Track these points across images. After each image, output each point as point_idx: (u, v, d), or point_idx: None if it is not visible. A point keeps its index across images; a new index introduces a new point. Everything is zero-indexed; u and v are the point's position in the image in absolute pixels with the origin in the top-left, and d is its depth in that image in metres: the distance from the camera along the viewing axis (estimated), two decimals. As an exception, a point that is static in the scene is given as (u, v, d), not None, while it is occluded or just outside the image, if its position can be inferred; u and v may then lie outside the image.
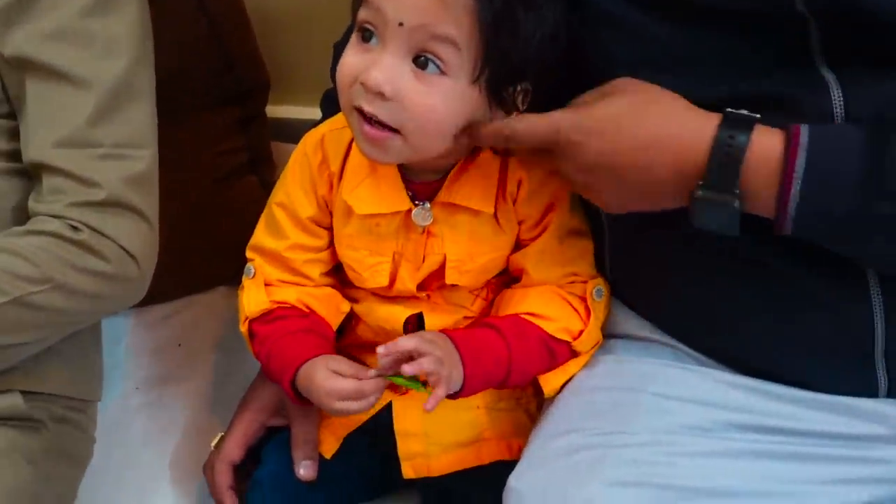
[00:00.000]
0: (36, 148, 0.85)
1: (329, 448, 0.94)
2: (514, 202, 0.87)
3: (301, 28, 1.26)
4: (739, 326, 0.81)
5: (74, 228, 0.83)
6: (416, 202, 0.87)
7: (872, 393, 0.77)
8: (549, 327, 0.87)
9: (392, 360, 0.80)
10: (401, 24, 0.75)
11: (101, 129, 0.85)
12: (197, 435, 1.04)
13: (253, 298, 0.92)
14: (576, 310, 0.88)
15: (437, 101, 0.77)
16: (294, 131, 1.27)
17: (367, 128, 0.78)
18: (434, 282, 0.90)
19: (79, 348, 0.96)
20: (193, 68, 1.14)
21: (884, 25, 0.69)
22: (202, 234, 1.16)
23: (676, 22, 0.75)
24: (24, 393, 0.89)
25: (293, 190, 0.91)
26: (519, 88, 0.80)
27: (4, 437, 0.87)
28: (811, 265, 0.75)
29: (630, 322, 0.91)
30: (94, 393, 1.00)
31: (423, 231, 0.87)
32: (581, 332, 0.88)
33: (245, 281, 0.94)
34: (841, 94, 0.72)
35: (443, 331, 0.85)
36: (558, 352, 0.88)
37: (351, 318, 0.96)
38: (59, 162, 0.84)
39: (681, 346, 0.86)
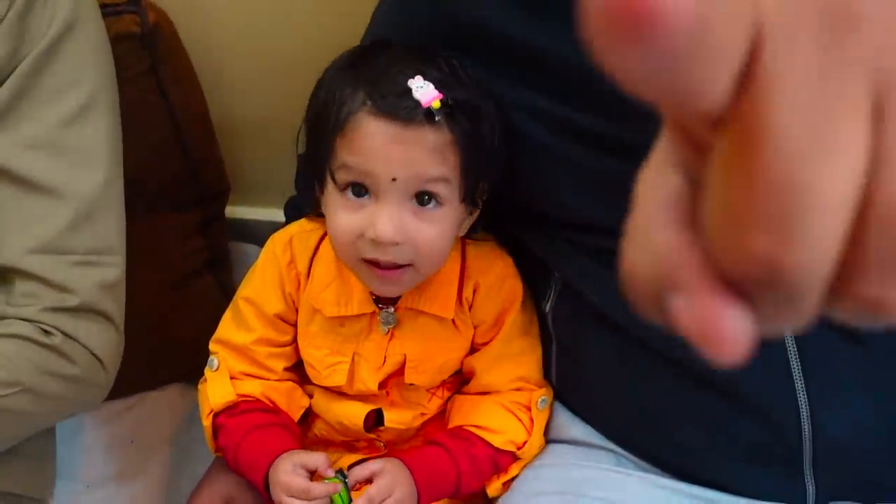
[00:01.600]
0: (9, 253, 0.86)
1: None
2: (470, 307, 0.92)
3: (261, 134, 1.31)
4: (673, 432, 0.86)
5: (46, 332, 0.85)
6: (380, 306, 0.91)
7: (801, 502, 0.81)
8: (496, 440, 0.92)
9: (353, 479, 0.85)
10: (394, 180, 0.79)
11: (75, 236, 0.87)
12: (148, 534, 1.05)
13: (218, 391, 0.94)
14: (521, 420, 0.93)
15: (441, 230, 0.82)
16: (251, 232, 1.32)
17: (380, 272, 0.83)
18: (392, 380, 0.94)
19: (33, 445, 0.96)
20: (157, 171, 1.17)
21: None
22: (158, 332, 1.18)
23: (613, 156, 0.78)
24: (-24, 492, 0.89)
25: (261, 287, 0.94)
26: (484, 188, 0.86)
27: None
28: (743, 372, 0.80)
29: (573, 427, 0.95)
30: (45, 491, 1.00)
31: (387, 333, 0.92)
32: (525, 443, 0.93)
33: (208, 373, 0.96)
34: None
35: (398, 455, 0.90)
36: (502, 462, 0.93)
37: (307, 416, 0.99)
38: (34, 268, 0.85)
39: (621, 451, 0.91)
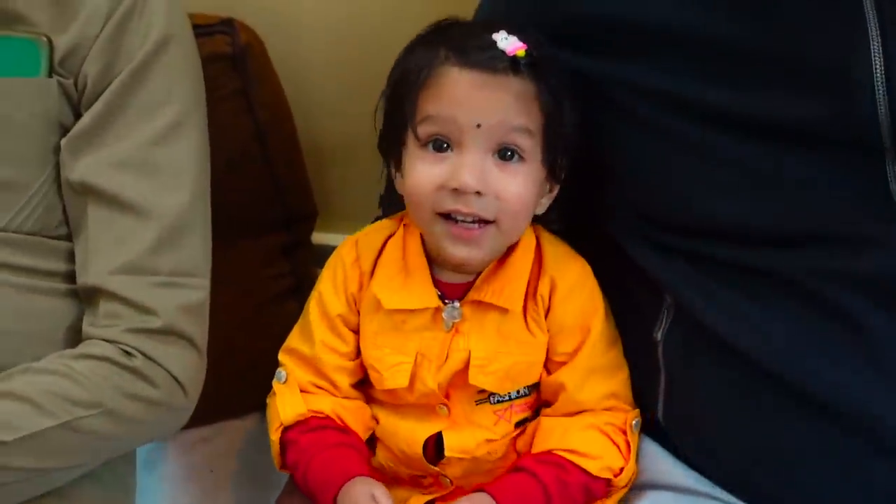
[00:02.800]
0: (94, 273, 0.87)
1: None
2: (547, 310, 0.88)
3: (349, 158, 1.29)
4: (801, 477, 0.79)
5: (128, 354, 0.84)
6: (445, 301, 0.89)
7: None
8: (592, 467, 0.87)
9: None
10: (478, 126, 0.80)
11: (160, 257, 0.87)
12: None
13: (288, 404, 0.91)
14: (616, 445, 0.88)
15: (523, 186, 0.83)
16: (337, 258, 1.29)
17: (456, 229, 0.83)
18: (455, 389, 0.89)
19: (113, 471, 0.95)
20: (245, 193, 1.16)
21: None
22: (239, 359, 1.16)
23: (760, 142, 0.75)
24: (57, 517, 0.88)
25: (325, 288, 0.94)
26: (564, 162, 0.86)
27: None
28: (886, 407, 0.73)
29: (678, 473, 0.89)
30: (124, 519, 0.98)
31: (451, 329, 0.88)
32: (622, 469, 0.87)
33: (276, 386, 0.94)
34: None
35: (484, 486, 0.85)
36: (596, 490, 0.88)
37: (369, 444, 0.95)
38: (118, 288, 0.85)
39: (734, 500, 0.84)
